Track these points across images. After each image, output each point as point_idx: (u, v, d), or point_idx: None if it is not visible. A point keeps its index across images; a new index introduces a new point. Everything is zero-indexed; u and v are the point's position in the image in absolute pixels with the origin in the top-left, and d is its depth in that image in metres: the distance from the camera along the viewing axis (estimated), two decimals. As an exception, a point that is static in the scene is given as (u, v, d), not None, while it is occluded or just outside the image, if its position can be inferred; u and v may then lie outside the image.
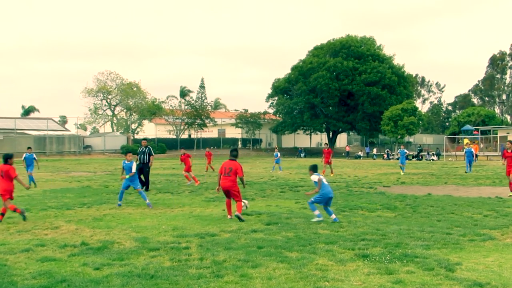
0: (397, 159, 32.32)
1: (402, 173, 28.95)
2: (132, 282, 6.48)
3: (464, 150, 32.87)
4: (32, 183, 20.25)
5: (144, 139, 20.58)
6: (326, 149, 29.50)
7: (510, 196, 16.64)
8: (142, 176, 18.74)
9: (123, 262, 7.60)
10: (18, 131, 60.12)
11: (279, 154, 32.81)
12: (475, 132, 66.58)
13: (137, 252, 8.23)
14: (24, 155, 21.62)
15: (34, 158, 21.56)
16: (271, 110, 73.11)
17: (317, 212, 11.35)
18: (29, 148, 22.55)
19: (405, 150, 31.52)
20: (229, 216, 11.87)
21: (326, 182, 11.62)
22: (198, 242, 9.04)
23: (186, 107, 71.54)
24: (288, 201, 15.52)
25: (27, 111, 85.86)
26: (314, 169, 11.90)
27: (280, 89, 69.86)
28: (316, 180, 11.51)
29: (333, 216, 11.35)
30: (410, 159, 53.32)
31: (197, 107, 69.97)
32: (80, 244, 8.84)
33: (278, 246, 8.58)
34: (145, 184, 18.85)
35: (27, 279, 6.69)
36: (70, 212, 13.16)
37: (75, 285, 6.39)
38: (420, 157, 55.69)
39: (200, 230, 10.32)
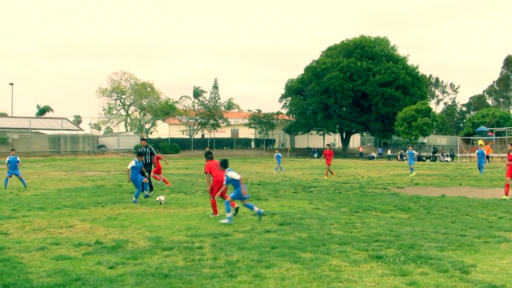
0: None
1: (410, 175, 28.68)
2: (146, 281, 6.51)
3: (476, 151, 32.59)
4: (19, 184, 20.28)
5: (144, 139, 19.99)
6: (327, 150, 28.01)
7: (503, 198, 16.23)
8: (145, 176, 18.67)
9: (137, 261, 7.63)
10: (33, 131, 60.71)
11: (280, 154, 32.73)
12: (490, 133, 66.05)
13: (151, 252, 8.26)
14: (7, 157, 20.34)
15: (18, 161, 20.29)
16: (284, 111, 72.98)
17: (229, 215, 11.17)
18: (12, 150, 21.11)
19: (414, 151, 31.13)
20: (217, 215, 12.11)
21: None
22: (212, 242, 9.06)
23: (200, 107, 71.80)
24: (301, 202, 15.49)
25: (42, 111, 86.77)
26: (224, 165, 11.68)
27: (294, 90, 69.73)
28: (233, 178, 11.33)
29: (256, 208, 11.29)
30: (424, 160, 52.99)
31: (211, 107, 70.21)
32: (94, 243, 8.90)
33: (292, 247, 8.57)
34: (149, 184, 18.72)
35: (42, 277, 6.74)
36: (84, 211, 13.26)
37: (89, 283, 6.43)
38: (434, 158, 55.32)
39: (214, 230, 10.34)
